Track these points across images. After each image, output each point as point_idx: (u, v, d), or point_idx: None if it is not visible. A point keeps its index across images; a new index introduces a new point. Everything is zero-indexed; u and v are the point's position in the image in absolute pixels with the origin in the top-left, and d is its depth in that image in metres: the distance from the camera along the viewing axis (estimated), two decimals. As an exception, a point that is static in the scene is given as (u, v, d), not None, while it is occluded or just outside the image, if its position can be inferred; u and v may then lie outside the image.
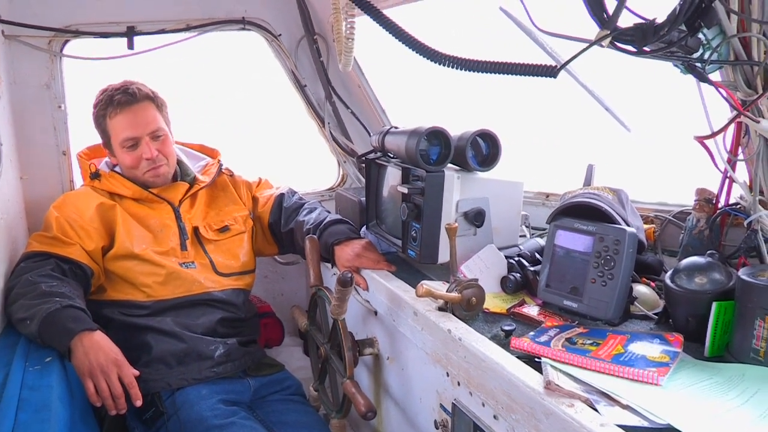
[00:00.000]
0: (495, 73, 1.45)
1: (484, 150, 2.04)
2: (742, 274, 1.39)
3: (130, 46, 2.72)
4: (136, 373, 1.92)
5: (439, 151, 1.99)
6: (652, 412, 1.17)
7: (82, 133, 2.70)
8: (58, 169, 2.72)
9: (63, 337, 1.87)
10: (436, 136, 1.98)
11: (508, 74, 1.43)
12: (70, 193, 2.41)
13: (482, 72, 1.46)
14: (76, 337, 1.86)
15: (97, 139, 2.48)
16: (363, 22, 2.26)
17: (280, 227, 2.49)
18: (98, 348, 1.87)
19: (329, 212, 2.47)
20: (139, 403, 1.89)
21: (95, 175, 2.33)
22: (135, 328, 2.16)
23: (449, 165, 2.03)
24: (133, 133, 2.24)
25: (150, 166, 2.28)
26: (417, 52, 1.52)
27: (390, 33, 1.56)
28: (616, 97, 1.99)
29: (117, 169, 2.37)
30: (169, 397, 2.08)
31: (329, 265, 2.37)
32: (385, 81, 3.11)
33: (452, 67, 1.48)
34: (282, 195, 2.56)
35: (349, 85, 3.15)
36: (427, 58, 1.51)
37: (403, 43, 1.55)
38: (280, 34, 3.00)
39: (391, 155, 2.23)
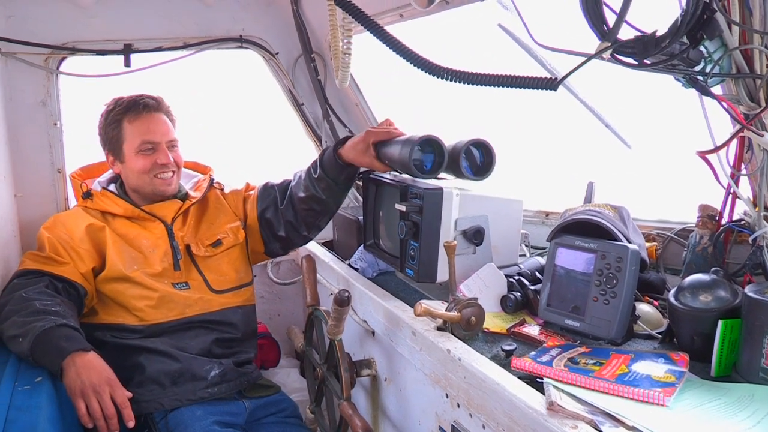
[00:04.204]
0: (495, 86, 1.43)
1: (478, 159, 2.01)
2: (749, 291, 1.36)
3: (127, 63, 2.71)
4: (129, 394, 1.88)
5: (433, 160, 1.97)
6: (659, 433, 1.13)
7: (78, 151, 2.69)
8: (53, 186, 2.69)
9: (55, 355, 1.83)
10: (430, 144, 1.96)
11: (508, 87, 1.41)
12: (60, 214, 2.36)
13: (482, 85, 1.44)
14: (68, 357, 1.83)
15: (91, 159, 2.46)
16: (360, 40, 2.26)
17: (278, 204, 2.38)
18: (91, 368, 1.84)
19: None
20: (131, 424, 1.85)
21: (87, 195, 2.30)
22: (128, 348, 2.11)
23: (443, 174, 2.01)
24: (154, 137, 2.24)
25: (163, 170, 2.25)
26: (417, 66, 1.51)
27: (389, 47, 1.56)
28: (616, 113, 1.97)
29: (111, 187, 2.33)
30: (162, 419, 2.04)
31: (326, 284, 2.33)
32: (383, 99, 3.10)
33: (452, 81, 1.47)
34: (265, 183, 2.48)
35: (346, 104, 3.15)
36: (427, 72, 1.50)
37: (402, 56, 1.54)
38: (277, 53, 3.00)
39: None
